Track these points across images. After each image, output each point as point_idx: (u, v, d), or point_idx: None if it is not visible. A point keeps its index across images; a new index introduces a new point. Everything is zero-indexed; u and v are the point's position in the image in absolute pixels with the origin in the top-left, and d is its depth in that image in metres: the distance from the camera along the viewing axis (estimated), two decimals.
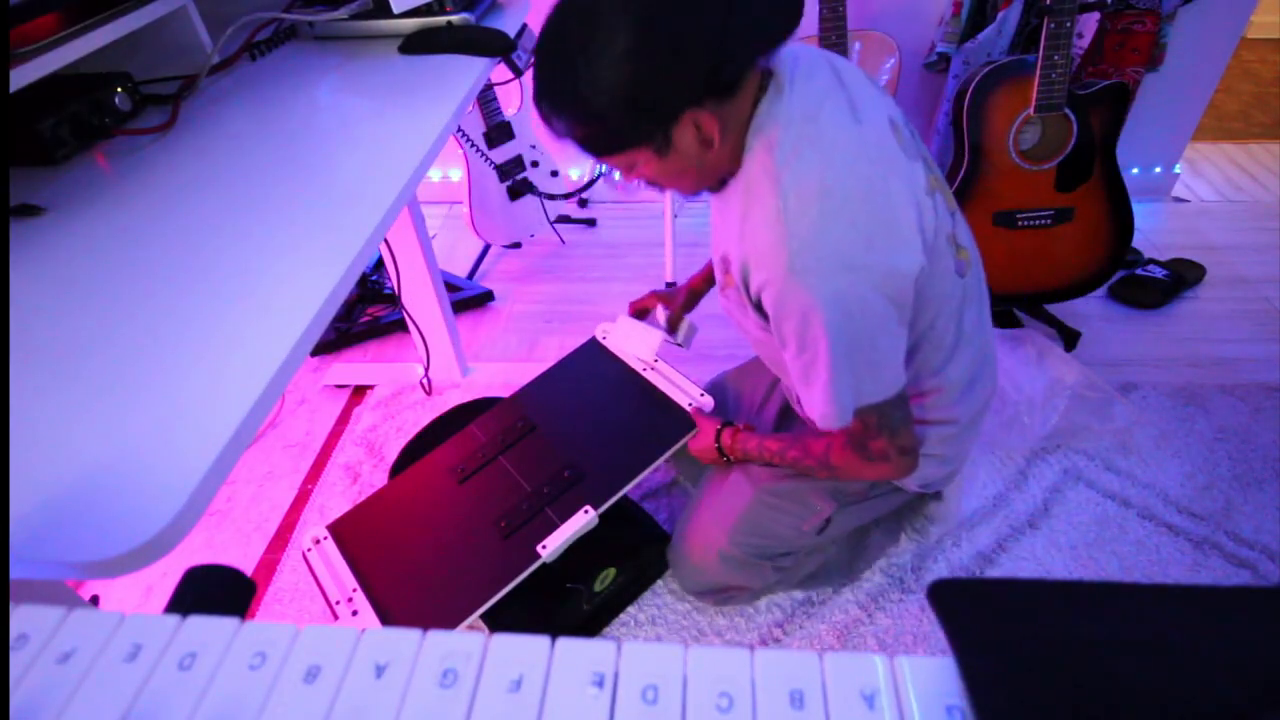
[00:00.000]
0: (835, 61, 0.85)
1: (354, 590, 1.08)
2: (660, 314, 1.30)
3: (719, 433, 1.11)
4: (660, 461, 1.17)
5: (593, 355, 1.39)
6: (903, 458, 0.90)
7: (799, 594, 1.23)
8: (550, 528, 1.10)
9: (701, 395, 1.22)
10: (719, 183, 0.87)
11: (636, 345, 1.30)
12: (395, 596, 1.08)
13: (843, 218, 0.74)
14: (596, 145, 0.77)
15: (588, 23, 0.68)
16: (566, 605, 1.13)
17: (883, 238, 0.76)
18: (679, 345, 1.31)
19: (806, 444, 0.99)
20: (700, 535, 1.16)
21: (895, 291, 0.78)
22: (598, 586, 1.16)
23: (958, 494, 1.28)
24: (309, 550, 1.16)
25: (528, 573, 1.07)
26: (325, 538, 1.18)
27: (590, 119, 0.73)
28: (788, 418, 1.20)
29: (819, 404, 0.84)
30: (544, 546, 1.08)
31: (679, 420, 1.21)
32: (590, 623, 1.21)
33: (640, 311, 1.32)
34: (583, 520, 1.10)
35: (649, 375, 1.30)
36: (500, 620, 1.10)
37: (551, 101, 0.74)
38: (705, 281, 1.28)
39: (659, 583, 1.27)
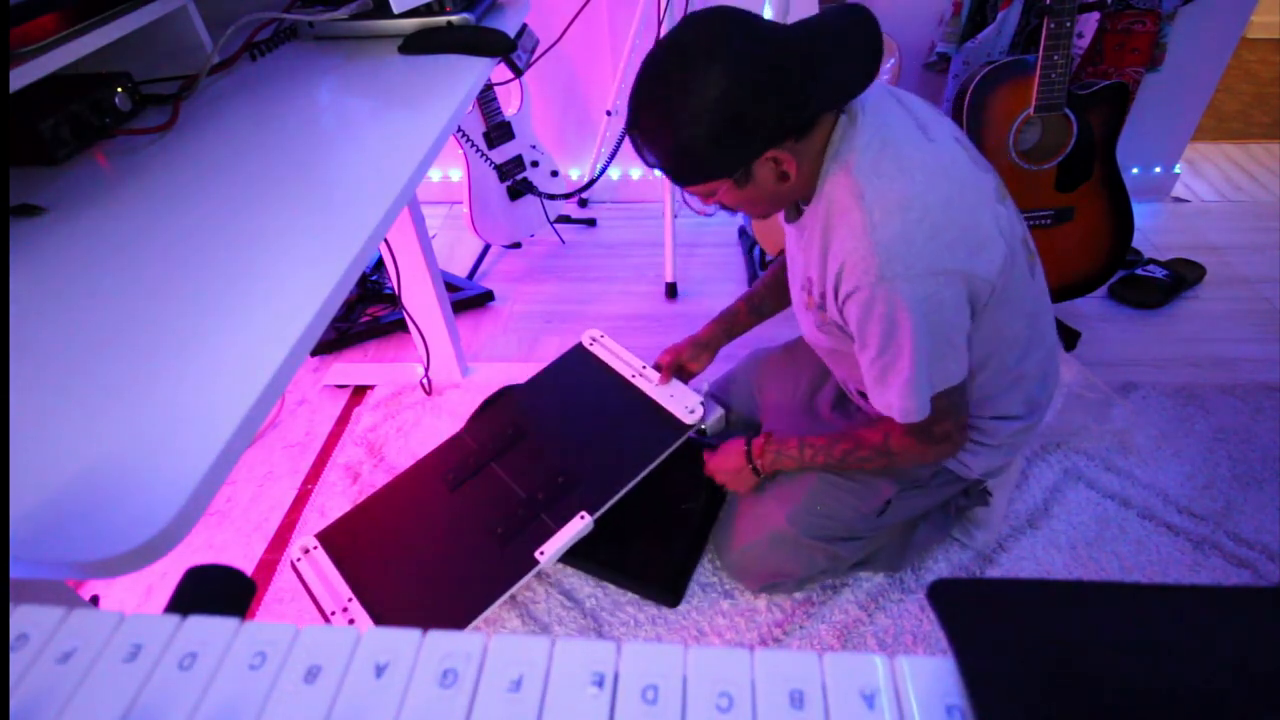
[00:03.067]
0: (897, 93, 0.93)
1: (349, 600, 1.08)
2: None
3: (748, 448, 1.13)
4: (654, 466, 1.16)
5: (579, 362, 1.38)
6: (961, 433, 0.98)
7: (799, 594, 1.23)
8: (547, 534, 1.10)
9: (691, 411, 1.21)
10: (795, 211, 0.95)
11: (677, 406, 1.25)
12: (391, 604, 1.08)
13: (925, 227, 0.80)
14: (682, 175, 0.85)
15: (685, 68, 0.77)
16: (685, 526, 1.24)
17: (963, 244, 0.82)
18: (703, 432, 1.27)
19: (858, 435, 1.03)
20: (757, 516, 1.18)
21: (973, 292, 0.85)
22: (701, 502, 1.26)
23: (1005, 501, 1.29)
24: (298, 560, 1.15)
25: (526, 579, 1.07)
26: (315, 546, 1.17)
27: (680, 154, 0.82)
28: (843, 405, 1.23)
29: (898, 400, 0.89)
30: (542, 553, 1.07)
31: (670, 425, 1.21)
32: (700, 533, 1.28)
33: (674, 367, 1.30)
34: (579, 526, 1.10)
35: (638, 381, 1.29)
36: (628, 555, 1.23)
37: (645, 135, 0.83)
38: (713, 331, 1.28)
39: None
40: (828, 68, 0.79)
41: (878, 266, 0.81)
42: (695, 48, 0.77)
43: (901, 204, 0.80)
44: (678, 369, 1.29)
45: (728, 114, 0.77)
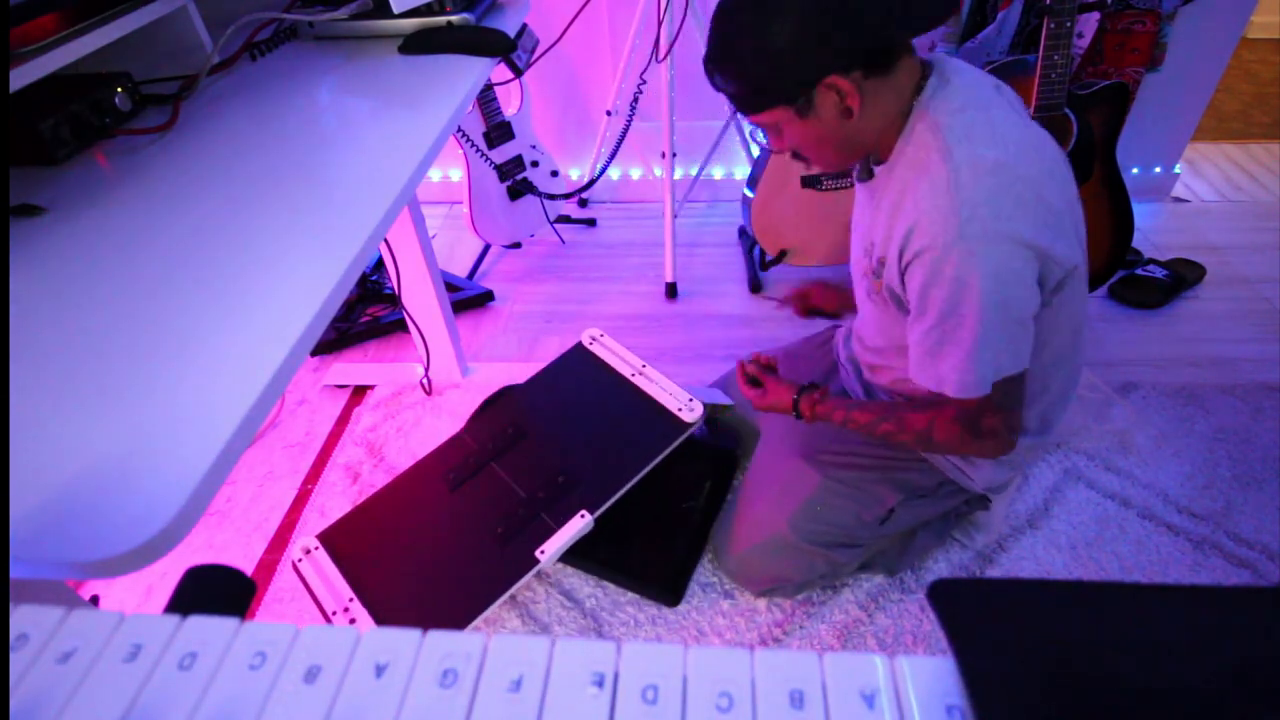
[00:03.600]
0: (992, 79, 0.89)
1: (350, 600, 1.08)
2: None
3: (797, 399, 1.07)
4: (654, 465, 1.17)
5: (579, 361, 1.38)
6: (1010, 435, 0.91)
7: (800, 595, 1.23)
8: (547, 533, 1.10)
9: (690, 401, 1.22)
10: (867, 171, 0.91)
11: (676, 405, 1.27)
12: (392, 604, 1.08)
13: (1013, 194, 0.78)
14: (747, 102, 0.84)
15: None
16: (687, 525, 1.25)
17: (1048, 222, 0.79)
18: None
19: (903, 418, 0.97)
20: (757, 520, 1.17)
21: (1046, 275, 0.82)
22: (703, 500, 1.27)
23: (1005, 504, 1.29)
24: (299, 560, 1.16)
25: (527, 578, 1.07)
26: (316, 547, 1.17)
27: (744, 74, 0.81)
28: None
29: (955, 374, 0.84)
30: (542, 552, 1.07)
31: (670, 424, 1.21)
32: (700, 532, 1.28)
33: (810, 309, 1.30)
34: (579, 525, 1.10)
35: (637, 381, 1.29)
36: (629, 554, 1.23)
37: (715, 56, 0.82)
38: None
39: None
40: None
41: (959, 224, 0.77)
42: None
43: (992, 168, 0.77)
44: (803, 300, 1.28)
45: (805, 26, 0.75)
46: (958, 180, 0.77)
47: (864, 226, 0.96)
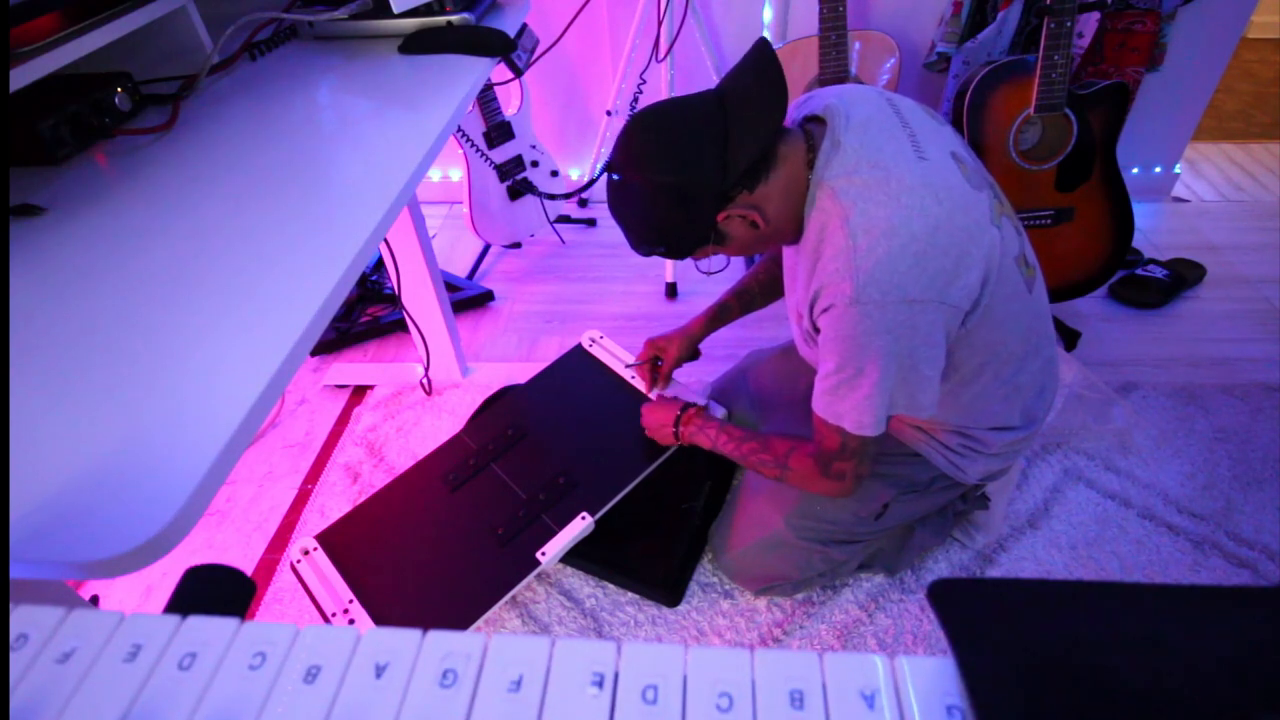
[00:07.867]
0: (895, 101, 0.91)
1: (350, 601, 1.08)
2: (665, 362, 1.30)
3: (679, 417, 1.17)
4: (654, 467, 1.17)
5: (578, 363, 1.38)
6: (855, 483, 0.98)
7: (799, 595, 1.23)
8: (548, 534, 1.10)
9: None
10: (797, 235, 0.95)
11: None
12: (392, 606, 1.08)
13: (908, 255, 0.80)
14: (672, 256, 0.95)
15: (621, 185, 0.90)
16: (687, 526, 1.25)
17: (945, 274, 0.82)
18: None
19: (768, 440, 1.05)
20: (754, 518, 1.18)
21: (948, 323, 0.84)
22: (702, 500, 1.27)
23: (1005, 504, 1.29)
24: (298, 562, 1.15)
25: (528, 579, 1.07)
26: (315, 548, 1.17)
27: (654, 249, 0.94)
28: None
29: (855, 412, 0.89)
30: (543, 553, 1.07)
31: None
32: (700, 532, 1.28)
33: (652, 362, 1.32)
34: (580, 526, 1.10)
35: (637, 383, 1.30)
36: (629, 555, 1.23)
37: (629, 240, 0.95)
38: (704, 326, 1.28)
39: None
40: (738, 124, 0.83)
41: (854, 289, 0.81)
42: (622, 166, 0.89)
43: (886, 230, 0.80)
44: (653, 359, 1.30)
45: (664, 205, 0.86)
46: (854, 245, 0.81)
47: (790, 283, 1.03)
